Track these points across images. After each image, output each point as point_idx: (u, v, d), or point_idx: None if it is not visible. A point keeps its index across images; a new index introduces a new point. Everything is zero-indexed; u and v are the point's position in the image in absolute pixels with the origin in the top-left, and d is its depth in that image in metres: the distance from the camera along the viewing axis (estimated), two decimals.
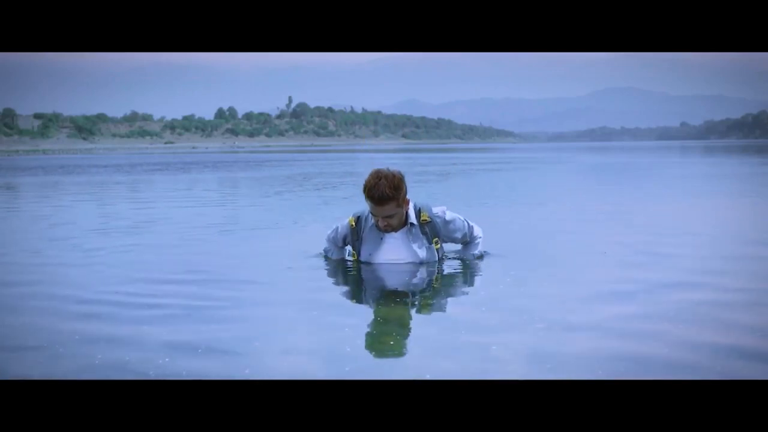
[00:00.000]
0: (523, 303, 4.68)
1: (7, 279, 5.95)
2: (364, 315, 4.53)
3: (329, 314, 4.47)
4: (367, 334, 4.07)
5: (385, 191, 5.46)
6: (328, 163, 36.83)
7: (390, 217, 5.61)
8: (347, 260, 6.07)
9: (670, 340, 3.82)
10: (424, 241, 5.78)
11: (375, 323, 4.33)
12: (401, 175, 5.60)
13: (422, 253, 5.76)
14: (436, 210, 5.87)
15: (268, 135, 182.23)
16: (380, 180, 5.48)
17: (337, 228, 6.06)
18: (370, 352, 3.72)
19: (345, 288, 5.42)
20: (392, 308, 4.71)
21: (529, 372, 3.36)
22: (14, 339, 4.01)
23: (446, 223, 5.88)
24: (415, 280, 5.44)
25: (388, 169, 5.60)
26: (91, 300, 4.95)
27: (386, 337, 4.02)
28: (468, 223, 6.05)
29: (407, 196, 5.68)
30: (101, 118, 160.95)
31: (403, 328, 4.24)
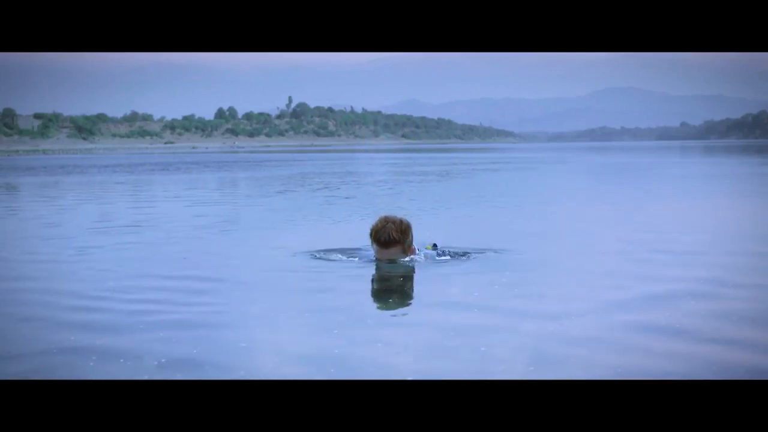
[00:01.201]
0: (519, 302, 4.68)
1: (5, 277, 5.96)
2: (357, 316, 4.52)
3: (321, 315, 4.46)
4: (357, 335, 4.05)
5: (392, 234, 5.61)
6: (328, 163, 36.83)
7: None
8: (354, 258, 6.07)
9: (668, 339, 3.82)
10: None
11: (366, 324, 4.32)
12: (409, 222, 5.76)
13: None
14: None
15: (268, 135, 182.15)
16: (387, 224, 5.65)
17: None
18: (359, 353, 3.71)
19: (339, 289, 5.42)
20: (385, 309, 4.71)
21: (523, 372, 3.35)
22: (9, 339, 4.00)
23: None
24: (409, 282, 5.45)
25: (395, 216, 5.76)
26: (87, 299, 4.95)
27: (376, 336, 4.01)
28: None
29: (413, 245, 5.81)
30: (101, 118, 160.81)
31: (395, 328, 4.24)
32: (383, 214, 5.84)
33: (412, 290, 5.24)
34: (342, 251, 6.28)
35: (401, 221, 5.68)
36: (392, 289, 5.27)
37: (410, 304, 4.87)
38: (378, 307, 4.77)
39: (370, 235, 5.69)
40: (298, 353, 3.72)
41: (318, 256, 6.30)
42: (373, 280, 5.51)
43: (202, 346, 3.78)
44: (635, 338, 3.86)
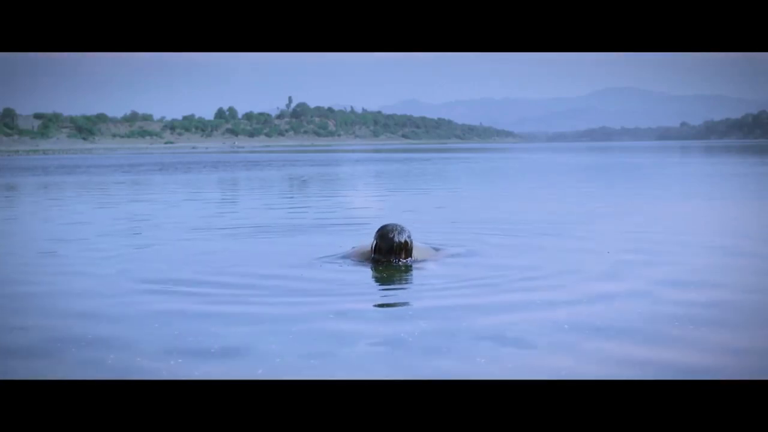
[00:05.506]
0: (513, 302, 4.68)
1: (9, 279, 5.96)
2: (352, 317, 4.52)
3: (315, 317, 4.45)
4: (348, 336, 4.05)
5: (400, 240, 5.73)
6: (328, 163, 36.83)
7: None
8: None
9: (667, 339, 3.82)
10: None
11: (357, 326, 4.32)
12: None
13: None
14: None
15: (268, 135, 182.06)
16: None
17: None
18: (348, 354, 3.71)
19: (335, 290, 5.40)
20: (379, 310, 4.71)
21: (518, 372, 3.35)
22: (10, 339, 4.00)
23: None
24: (405, 283, 5.45)
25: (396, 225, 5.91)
26: (91, 299, 4.95)
27: (357, 339, 4.01)
28: None
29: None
30: (101, 118, 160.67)
31: (386, 329, 4.24)
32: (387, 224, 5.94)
33: (407, 291, 5.24)
34: (335, 255, 6.29)
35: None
36: (387, 290, 5.27)
37: (403, 304, 4.87)
38: (368, 309, 4.76)
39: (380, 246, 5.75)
40: (281, 356, 3.72)
41: (315, 261, 6.30)
42: (365, 284, 5.51)
43: (196, 349, 3.77)
44: (630, 340, 3.86)
